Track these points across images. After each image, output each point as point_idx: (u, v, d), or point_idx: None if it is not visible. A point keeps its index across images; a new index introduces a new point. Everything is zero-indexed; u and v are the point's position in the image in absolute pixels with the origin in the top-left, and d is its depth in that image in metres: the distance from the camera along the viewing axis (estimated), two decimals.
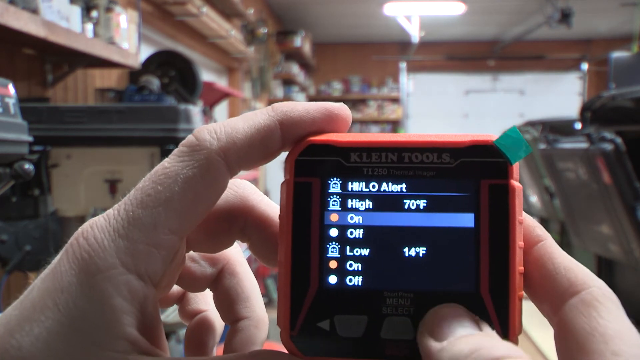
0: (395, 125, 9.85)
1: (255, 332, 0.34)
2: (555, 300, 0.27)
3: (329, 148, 0.29)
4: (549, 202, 4.23)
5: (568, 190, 3.34)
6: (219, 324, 0.36)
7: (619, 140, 2.72)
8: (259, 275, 4.37)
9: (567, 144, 3.27)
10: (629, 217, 2.72)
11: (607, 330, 0.25)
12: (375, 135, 0.30)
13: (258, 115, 0.29)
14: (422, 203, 0.29)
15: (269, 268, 0.33)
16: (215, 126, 0.29)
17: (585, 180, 3.01)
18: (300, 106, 0.29)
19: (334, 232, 0.29)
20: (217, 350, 0.35)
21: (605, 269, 3.47)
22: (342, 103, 0.30)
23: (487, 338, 0.25)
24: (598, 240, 3.17)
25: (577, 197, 3.24)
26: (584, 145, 2.91)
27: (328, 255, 0.29)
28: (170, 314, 1.66)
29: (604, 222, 2.98)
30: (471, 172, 0.28)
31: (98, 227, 0.27)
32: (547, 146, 3.43)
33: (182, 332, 1.88)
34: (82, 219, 1.93)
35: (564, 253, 0.28)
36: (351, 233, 0.29)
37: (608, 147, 2.72)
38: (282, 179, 0.30)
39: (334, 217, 0.29)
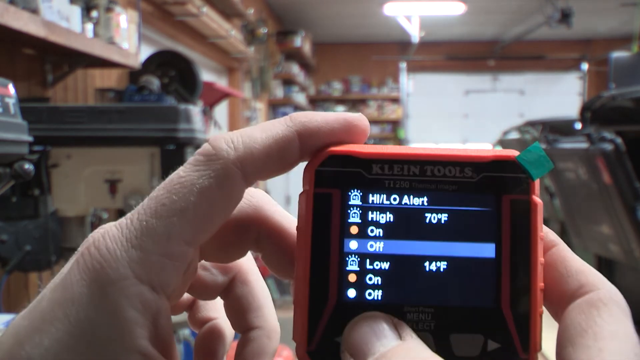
0: (395, 125, 9.86)
1: (267, 342, 0.33)
2: (564, 301, 0.27)
3: (350, 159, 0.29)
4: (549, 202, 4.22)
5: (568, 190, 3.34)
6: (229, 332, 0.35)
7: (619, 140, 2.72)
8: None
9: (567, 144, 3.27)
10: (629, 217, 2.72)
11: (602, 330, 0.25)
12: (396, 148, 0.29)
13: (276, 125, 0.29)
14: (443, 217, 0.28)
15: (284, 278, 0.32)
16: (232, 135, 0.28)
17: (585, 180, 3.01)
18: (318, 116, 0.29)
19: (353, 245, 0.28)
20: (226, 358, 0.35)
21: (605, 269, 3.47)
22: (360, 114, 0.30)
23: (406, 353, 0.25)
24: (598, 240, 3.17)
25: (577, 197, 3.25)
26: (584, 145, 2.91)
27: (347, 268, 0.28)
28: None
29: (604, 222, 2.99)
30: (493, 187, 0.28)
31: (110, 236, 0.27)
32: (547, 146, 3.43)
33: (182, 332, 1.88)
34: (82, 219, 1.93)
35: (577, 257, 0.28)
36: (371, 246, 0.28)
37: (608, 147, 2.72)
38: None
39: (354, 230, 0.28)
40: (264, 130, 0.28)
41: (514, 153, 0.28)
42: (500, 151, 0.29)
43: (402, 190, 0.29)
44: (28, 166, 1.22)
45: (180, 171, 0.28)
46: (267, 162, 0.28)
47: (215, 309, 0.36)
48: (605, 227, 2.99)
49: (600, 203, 2.93)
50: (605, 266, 3.48)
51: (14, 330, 0.26)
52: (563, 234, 4.20)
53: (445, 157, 0.28)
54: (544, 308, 0.28)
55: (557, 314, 0.28)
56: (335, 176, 0.29)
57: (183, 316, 0.37)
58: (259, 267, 0.35)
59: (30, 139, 1.26)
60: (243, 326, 0.34)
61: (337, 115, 0.29)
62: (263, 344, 0.33)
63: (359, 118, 0.30)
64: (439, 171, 0.28)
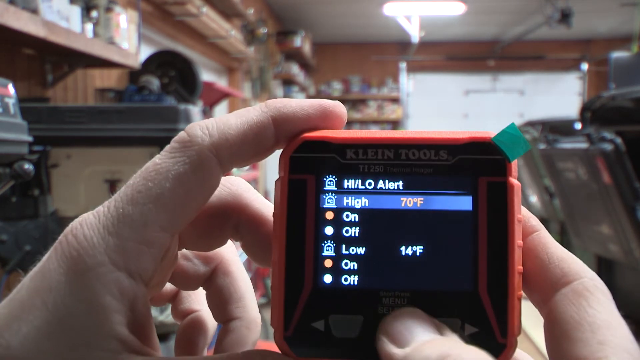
0: (395, 125, 9.85)
1: (247, 333, 0.33)
2: (547, 289, 0.27)
3: (325, 145, 0.29)
4: (549, 202, 4.23)
5: (568, 190, 3.34)
6: (211, 324, 0.36)
7: (619, 140, 2.72)
8: (259, 276, 4.37)
9: (567, 144, 3.27)
10: (629, 217, 2.72)
11: (596, 320, 0.25)
12: (371, 132, 0.29)
13: (251, 112, 0.29)
14: (419, 201, 0.28)
15: (269, 268, 0.33)
16: (207, 122, 0.28)
17: (585, 180, 3.01)
18: (294, 102, 0.29)
19: (329, 231, 0.28)
20: (209, 351, 0.35)
21: (605, 269, 3.47)
22: (337, 100, 0.30)
23: (453, 343, 0.25)
24: (598, 240, 3.17)
25: (577, 197, 3.25)
26: (584, 145, 2.91)
27: (323, 254, 0.28)
28: (169, 315, 1.66)
29: (604, 222, 2.99)
30: (469, 169, 0.28)
31: (87, 224, 0.27)
32: (547, 146, 3.43)
33: None
34: None
35: (558, 244, 0.28)
36: (347, 231, 0.28)
37: (608, 147, 2.72)
38: None
39: (329, 215, 0.28)
40: (238, 116, 0.29)
41: (490, 134, 0.28)
42: (476, 133, 0.28)
43: (377, 175, 0.28)
44: (28, 166, 1.22)
45: (156, 159, 0.28)
46: (242, 148, 0.28)
47: (198, 301, 0.36)
48: (605, 227, 2.99)
49: (600, 203, 2.93)
50: (605, 266, 3.48)
51: None
52: (563, 234, 4.20)
53: (419, 140, 0.28)
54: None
55: (539, 302, 0.28)
56: (309, 162, 0.29)
57: None
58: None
59: (30, 139, 1.26)
60: (224, 317, 0.34)
61: (313, 101, 0.29)
62: (242, 334, 0.33)
63: (335, 104, 0.30)
64: (414, 154, 0.28)
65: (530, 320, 0.29)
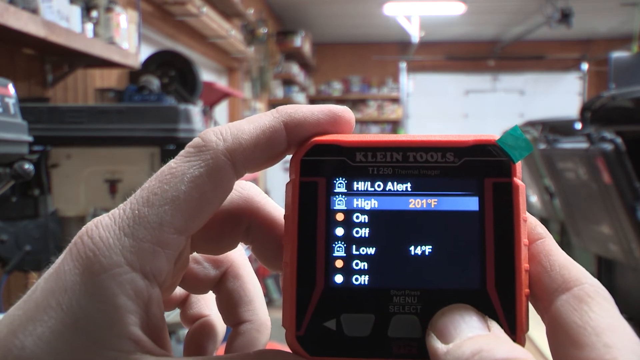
0: (395, 125, 9.85)
1: (257, 335, 0.34)
2: (548, 296, 0.27)
3: (335, 148, 0.29)
4: (549, 202, 4.22)
5: (568, 190, 3.34)
6: (220, 328, 0.36)
7: (619, 140, 2.72)
8: (260, 275, 4.37)
9: (567, 144, 3.27)
10: (629, 217, 2.72)
11: (599, 324, 0.25)
12: (380, 136, 0.30)
13: (263, 117, 0.29)
14: (426, 201, 0.29)
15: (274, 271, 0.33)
16: (221, 128, 0.29)
17: (585, 180, 3.01)
18: (304, 108, 0.30)
19: (339, 232, 0.29)
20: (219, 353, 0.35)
21: (605, 269, 3.47)
22: (345, 106, 0.31)
23: (491, 339, 0.25)
24: (598, 240, 3.17)
25: (577, 197, 3.24)
26: (584, 145, 2.91)
27: (334, 254, 0.29)
28: (170, 314, 1.66)
29: (604, 222, 2.98)
30: (475, 170, 0.29)
31: (103, 225, 0.27)
32: (547, 146, 3.42)
33: (183, 333, 1.88)
34: (82, 219, 1.93)
35: (562, 251, 0.28)
36: (357, 232, 0.29)
37: (608, 147, 2.72)
38: (282, 178, 0.30)
39: (340, 217, 0.29)
40: (251, 122, 0.29)
41: (494, 137, 0.29)
42: (481, 135, 0.29)
43: (386, 177, 0.29)
44: (28, 166, 1.22)
45: (172, 162, 0.28)
46: (256, 152, 0.29)
47: (208, 306, 0.36)
48: (605, 227, 2.99)
49: (600, 203, 2.93)
50: (605, 266, 3.48)
51: (8, 320, 0.27)
52: (563, 234, 4.20)
53: (427, 143, 0.29)
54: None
55: (540, 308, 0.28)
56: (320, 165, 0.29)
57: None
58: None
59: (30, 139, 1.26)
60: (234, 320, 0.34)
61: (323, 106, 0.30)
62: (253, 337, 0.34)
63: (344, 110, 0.30)
64: (422, 157, 0.29)
65: (531, 320, 0.29)
